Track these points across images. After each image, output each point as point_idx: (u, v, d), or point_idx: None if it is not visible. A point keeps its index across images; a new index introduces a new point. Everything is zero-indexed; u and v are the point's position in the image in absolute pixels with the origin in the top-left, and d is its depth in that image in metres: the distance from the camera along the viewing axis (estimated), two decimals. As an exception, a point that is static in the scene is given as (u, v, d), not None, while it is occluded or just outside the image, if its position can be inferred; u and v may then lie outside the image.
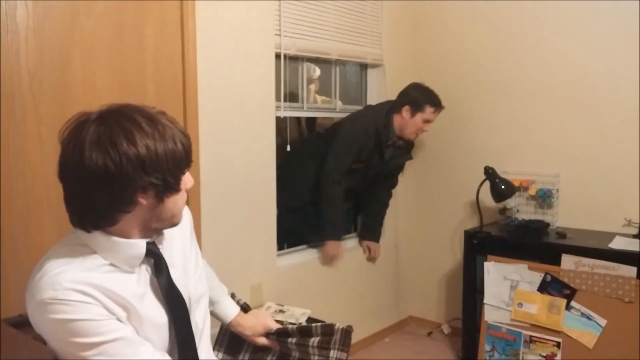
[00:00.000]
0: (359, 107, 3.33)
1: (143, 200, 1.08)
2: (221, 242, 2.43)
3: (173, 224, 1.18)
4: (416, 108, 2.92)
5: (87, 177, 1.03)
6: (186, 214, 1.36)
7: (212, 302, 1.60)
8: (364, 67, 3.33)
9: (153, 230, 1.16)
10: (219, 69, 2.35)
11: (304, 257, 2.97)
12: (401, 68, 3.38)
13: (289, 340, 1.62)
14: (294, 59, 2.80)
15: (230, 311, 1.64)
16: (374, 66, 3.30)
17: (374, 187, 3.20)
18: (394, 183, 3.31)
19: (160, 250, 1.21)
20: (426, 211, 3.53)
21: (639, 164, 2.71)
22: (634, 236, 2.63)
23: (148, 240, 1.16)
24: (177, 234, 1.28)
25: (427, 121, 2.94)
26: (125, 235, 1.12)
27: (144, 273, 1.18)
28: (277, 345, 1.65)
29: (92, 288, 1.06)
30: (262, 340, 1.64)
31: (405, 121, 2.94)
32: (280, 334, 1.64)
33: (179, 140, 1.10)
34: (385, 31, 3.28)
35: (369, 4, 3.16)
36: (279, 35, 2.63)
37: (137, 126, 1.05)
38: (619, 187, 2.78)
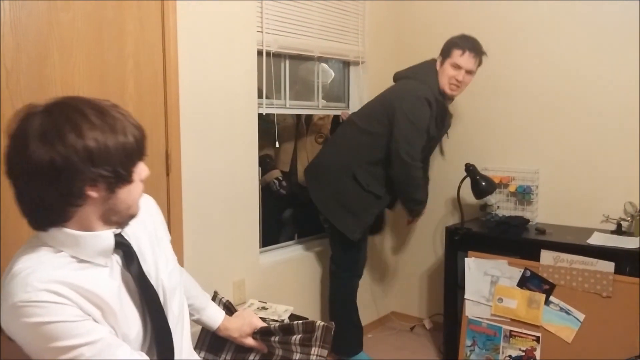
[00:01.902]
0: (342, 105, 3.34)
1: (93, 193, 1.06)
2: (203, 239, 2.42)
3: (130, 214, 1.16)
4: (445, 54, 2.68)
5: (34, 172, 1.01)
6: (153, 206, 1.36)
7: (197, 310, 1.59)
8: (346, 64, 3.33)
9: (113, 222, 1.14)
10: (200, 65, 2.33)
11: (287, 253, 2.97)
12: (383, 65, 3.39)
13: (272, 338, 1.62)
14: (276, 56, 2.79)
15: (217, 317, 1.63)
16: (356, 63, 3.31)
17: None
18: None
19: (129, 242, 1.19)
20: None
21: (617, 161, 2.76)
22: (612, 232, 2.69)
23: (114, 230, 1.15)
24: (144, 226, 1.26)
25: (456, 66, 2.62)
26: (88, 228, 1.10)
27: (115, 265, 1.16)
28: (265, 347, 1.64)
29: (66, 287, 1.03)
30: (250, 342, 1.63)
31: (439, 73, 2.69)
32: (264, 333, 1.63)
33: (130, 133, 1.09)
34: (367, 29, 3.29)
35: (351, 2, 3.16)
36: (261, 32, 2.62)
37: (85, 118, 1.04)
38: (597, 184, 2.83)
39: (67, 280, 1.04)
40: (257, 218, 2.70)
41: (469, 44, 2.62)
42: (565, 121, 2.91)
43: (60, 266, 1.06)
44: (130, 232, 1.21)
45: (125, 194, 1.12)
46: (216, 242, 2.48)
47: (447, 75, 2.64)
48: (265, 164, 3.24)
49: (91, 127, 1.04)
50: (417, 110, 2.61)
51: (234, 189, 2.54)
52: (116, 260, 1.16)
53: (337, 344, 2.79)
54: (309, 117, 3.38)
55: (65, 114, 1.04)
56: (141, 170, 1.16)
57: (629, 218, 2.67)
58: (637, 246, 2.41)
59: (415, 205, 2.89)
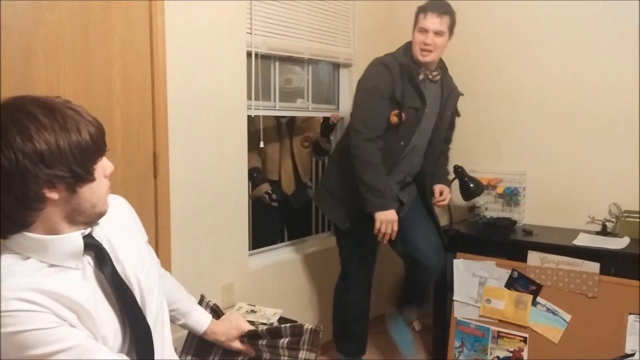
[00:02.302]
0: (332, 107, 3.35)
1: (53, 195, 1.04)
2: (192, 242, 2.41)
3: (97, 213, 1.14)
4: (414, 25, 2.54)
5: None
6: (125, 205, 1.34)
7: (183, 314, 1.58)
8: (336, 66, 3.33)
9: (80, 223, 1.12)
10: (188, 66, 2.32)
11: (276, 256, 2.97)
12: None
13: (260, 342, 1.61)
14: (265, 57, 2.79)
15: (203, 321, 1.61)
16: (346, 66, 3.31)
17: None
18: (448, 137, 2.86)
19: (100, 242, 1.17)
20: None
21: (602, 163, 2.79)
22: (597, 233, 2.71)
23: (83, 231, 1.12)
24: (116, 225, 1.24)
25: (422, 30, 2.46)
26: (54, 231, 1.08)
27: (87, 267, 1.13)
28: (252, 351, 1.64)
29: (38, 294, 1.01)
30: (237, 345, 1.62)
31: (412, 44, 2.54)
32: (251, 337, 1.63)
33: (85, 130, 1.06)
34: (357, 31, 3.30)
35: (341, 4, 3.17)
36: (250, 33, 2.61)
37: (33, 119, 1.01)
38: (583, 186, 2.85)
39: (39, 286, 1.02)
40: (247, 220, 2.70)
41: (431, 6, 2.48)
42: (552, 124, 2.94)
43: (30, 273, 1.04)
44: (101, 232, 1.19)
45: (88, 192, 1.09)
46: (205, 245, 2.47)
47: (416, 42, 2.49)
48: (253, 178, 3.20)
49: (40, 128, 1.01)
50: (369, 76, 2.53)
51: (222, 192, 2.53)
52: (88, 261, 1.14)
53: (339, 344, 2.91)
54: (291, 120, 3.36)
55: (12, 117, 1.01)
56: (104, 166, 1.13)
57: (613, 219, 2.70)
58: (622, 247, 2.44)
59: (365, 192, 2.42)
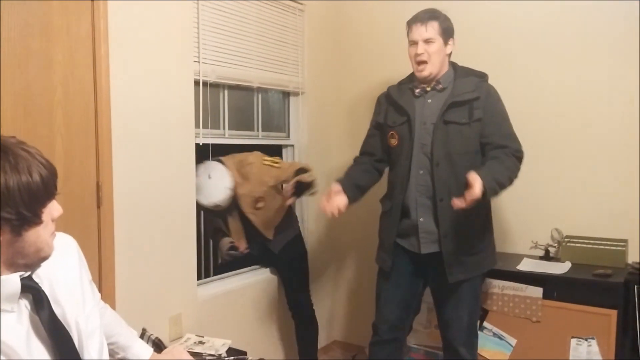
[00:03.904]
0: (282, 134, 3.36)
1: None
2: (137, 273, 2.34)
3: (41, 257, 1.11)
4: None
5: None
6: (71, 244, 1.31)
7: (122, 348, 1.54)
8: (286, 94, 3.36)
9: (21, 266, 1.09)
10: (134, 95, 2.29)
11: (225, 285, 2.92)
12: (322, 95, 3.45)
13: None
14: (214, 85, 2.79)
15: (143, 355, 1.57)
16: (296, 94, 3.34)
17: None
18: (495, 142, 2.33)
19: (39, 284, 1.14)
20: (342, 241, 3.58)
21: (544, 190, 2.89)
22: (540, 258, 2.79)
23: (22, 274, 1.09)
24: (59, 266, 1.21)
25: (412, 44, 2.37)
26: None
27: (23, 310, 1.11)
28: None
29: None
30: None
31: None
32: None
33: (36, 172, 1.04)
34: (307, 60, 3.34)
35: (290, 33, 3.21)
36: (198, 62, 2.61)
37: None
38: (527, 212, 2.94)
39: None
40: (194, 250, 2.65)
41: (415, 17, 2.39)
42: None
43: None
44: (43, 274, 1.16)
45: (34, 236, 1.07)
46: (151, 276, 2.41)
47: (410, 57, 2.40)
48: (216, 235, 3.04)
49: None
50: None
51: (170, 221, 2.49)
52: (25, 304, 1.11)
53: None
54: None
55: None
56: (52, 209, 1.11)
57: (555, 244, 2.79)
58: (564, 272, 2.51)
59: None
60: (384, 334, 2.52)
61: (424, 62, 2.33)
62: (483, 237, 2.38)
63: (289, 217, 3.07)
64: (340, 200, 2.37)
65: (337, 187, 2.40)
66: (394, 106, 2.47)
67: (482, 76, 2.41)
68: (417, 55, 2.33)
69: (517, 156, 2.31)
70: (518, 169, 2.29)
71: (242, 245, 2.98)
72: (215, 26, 2.71)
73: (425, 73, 2.34)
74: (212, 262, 3.12)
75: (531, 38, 2.91)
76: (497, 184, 2.13)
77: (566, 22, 2.81)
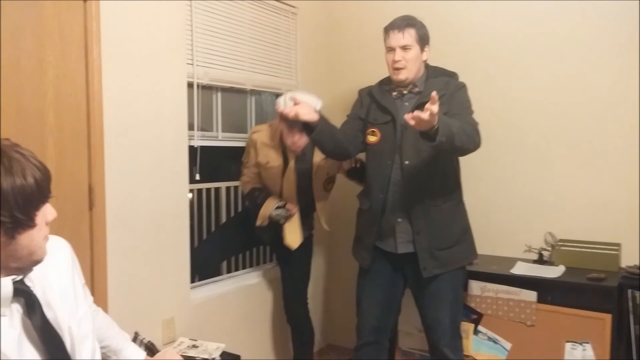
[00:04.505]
0: (276, 136, 3.35)
1: None
2: (130, 276, 2.32)
3: (34, 261, 1.10)
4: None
5: None
6: (65, 248, 1.30)
7: (114, 352, 1.53)
8: (279, 96, 3.35)
9: (13, 269, 1.08)
10: (126, 96, 2.27)
11: (219, 288, 2.90)
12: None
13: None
14: (207, 88, 2.77)
15: (136, 358, 1.56)
16: (291, 96, 3.33)
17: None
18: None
19: (32, 288, 1.13)
20: (340, 242, 3.57)
21: (538, 193, 2.89)
22: (534, 261, 2.79)
23: (14, 277, 1.08)
24: (52, 270, 1.20)
25: (389, 50, 2.41)
26: None
27: (15, 314, 1.10)
28: None
29: None
30: None
31: None
32: None
33: (31, 175, 1.03)
34: (300, 62, 3.34)
35: (283, 36, 3.21)
36: (192, 64, 2.60)
37: None
38: (521, 216, 2.94)
39: None
40: (188, 253, 2.63)
41: (392, 24, 2.43)
42: (491, 157, 3.02)
43: None
44: (36, 277, 1.15)
45: (27, 239, 1.06)
46: (143, 279, 2.39)
47: (387, 63, 2.44)
48: (254, 197, 2.81)
49: None
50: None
51: (163, 224, 2.47)
52: (17, 308, 1.10)
53: None
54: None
55: None
56: (46, 213, 1.10)
57: (549, 248, 2.79)
58: (557, 275, 2.51)
59: None
60: (366, 336, 2.53)
61: (401, 68, 2.38)
62: (457, 231, 2.39)
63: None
64: (306, 113, 2.27)
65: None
66: (376, 104, 2.49)
67: (452, 75, 2.46)
68: (394, 62, 2.38)
69: (475, 139, 2.25)
70: (473, 141, 2.23)
71: (294, 208, 2.78)
72: (209, 28, 2.70)
73: (402, 77, 2.38)
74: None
75: (527, 38, 2.91)
76: (449, 128, 2.06)
77: (565, 23, 2.81)
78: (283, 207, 2.76)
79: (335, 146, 2.45)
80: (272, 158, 2.79)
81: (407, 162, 2.33)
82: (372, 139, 2.46)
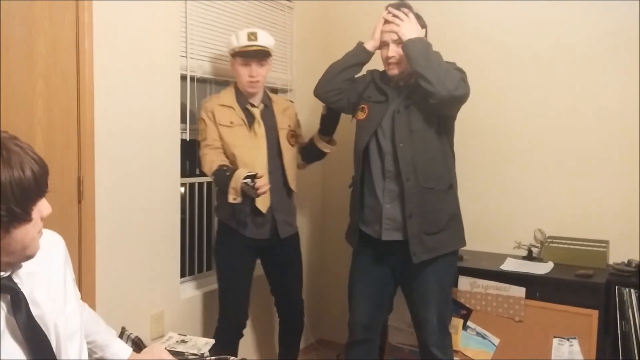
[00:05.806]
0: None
1: None
2: (118, 270, 2.32)
3: (26, 256, 1.09)
4: None
5: None
6: (59, 242, 1.29)
7: (100, 347, 1.52)
8: (274, 91, 3.34)
9: (5, 264, 1.07)
10: (118, 88, 2.26)
11: (209, 283, 2.89)
12: (311, 93, 3.40)
13: (184, 373, 1.56)
14: (201, 81, 2.76)
15: (122, 354, 1.55)
16: (284, 91, 3.33)
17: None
18: None
19: (19, 284, 1.12)
20: (331, 237, 3.58)
21: (528, 190, 2.91)
22: (524, 258, 2.81)
23: (2, 274, 1.07)
24: (44, 264, 1.19)
25: (383, 45, 2.41)
26: None
27: (0, 311, 1.09)
28: None
29: None
30: None
31: None
32: None
33: (29, 168, 1.02)
34: (295, 57, 3.33)
35: (279, 30, 3.19)
36: (185, 57, 2.58)
37: None
38: (510, 212, 2.96)
39: None
40: (178, 247, 2.63)
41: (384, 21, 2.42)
42: (478, 153, 3.04)
43: None
44: (24, 273, 1.14)
45: (22, 233, 1.04)
46: (133, 273, 2.39)
47: (382, 58, 2.43)
48: (225, 177, 2.42)
49: None
50: None
51: (153, 217, 2.46)
52: (2, 305, 1.09)
53: None
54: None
55: None
56: (42, 208, 1.09)
57: (538, 244, 2.81)
58: (546, 272, 2.53)
59: None
60: (357, 334, 2.52)
61: (394, 63, 2.37)
62: (446, 216, 2.36)
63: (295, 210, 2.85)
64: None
65: None
66: (375, 85, 2.49)
67: (450, 64, 2.40)
68: (387, 57, 2.37)
69: (455, 78, 2.22)
70: (453, 79, 2.20)
71: (264, 184, 2.38)
72: (203, 21, 2.69)
73: (396, 71, 2.39)
74: (197, 259, 3.08)
75: (523, 37, 2.92)
76: (428, 47, 2.27)
77: (563, 21, 2.82)
78: (253, 176, 2.37)
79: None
80: (234, 116, 2.53)
81: (401, 145, 2.30)
82: (360, 114, 2.47)
